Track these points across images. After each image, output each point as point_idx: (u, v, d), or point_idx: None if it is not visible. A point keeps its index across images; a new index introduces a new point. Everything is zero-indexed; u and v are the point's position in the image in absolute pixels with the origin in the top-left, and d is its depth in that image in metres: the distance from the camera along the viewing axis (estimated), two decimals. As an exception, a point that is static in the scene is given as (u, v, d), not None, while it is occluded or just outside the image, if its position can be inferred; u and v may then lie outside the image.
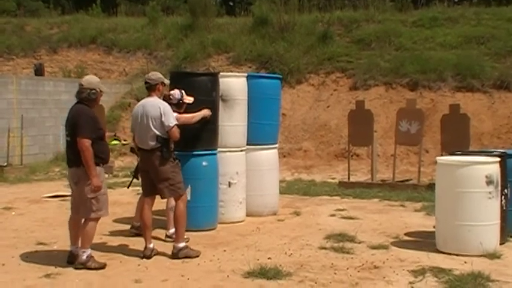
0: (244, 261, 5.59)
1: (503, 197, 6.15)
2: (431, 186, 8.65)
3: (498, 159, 6.08)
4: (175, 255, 5.78)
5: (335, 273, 5.30)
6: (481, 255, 5.76)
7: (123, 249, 6.19)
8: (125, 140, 6.28)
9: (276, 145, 8.40)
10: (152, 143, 5.85)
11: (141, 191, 6.57)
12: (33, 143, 13.64)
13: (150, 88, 6.09)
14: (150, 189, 6.07)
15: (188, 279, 5.16)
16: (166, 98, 6.39)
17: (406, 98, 12.95)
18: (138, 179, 6.33)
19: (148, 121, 5.84)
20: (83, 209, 5.52)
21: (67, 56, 19.17)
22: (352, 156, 12.17)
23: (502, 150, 6.98)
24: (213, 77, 7.48)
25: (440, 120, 10.72)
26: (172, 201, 6.34)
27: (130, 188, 7.13)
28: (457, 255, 5.82)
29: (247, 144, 7.83)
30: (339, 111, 14.20)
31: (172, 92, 6.57)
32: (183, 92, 6.57)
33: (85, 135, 5.34)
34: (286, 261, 5.62)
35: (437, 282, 5.02)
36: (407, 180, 10.84)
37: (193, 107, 6.68)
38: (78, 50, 19.24)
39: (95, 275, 5.29)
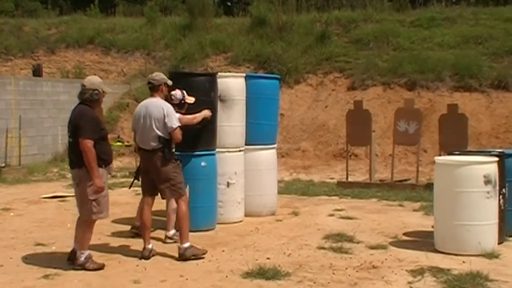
0: (243, 261, 5.60)
1: (501, 196, 6.17)
2: (429, 186, 8.67)
3: (496, 159, 6.08)
4: (182, 255, 5.75)
5: (334, 273, 5.30)
6: (479, 255, 5.76)
7: (122, 250, 6.19)
8: (127, 142, 6.27)
9: (275, 145, 8.41)
10: (154, 144, 5.84)
11: (139, 192, 6.57)
12: (31, 144, 13.63)
13: (153, 88, 6.06)
14: (151, 190, 6.06)
15: (187, 279, 5.16)
16: (168, 98, 6.37)
17: (404, 97, 12.96)
18: (139, 179, 6.32)
19: (151, 122, 5.83)
20: (84, 211, 5.51)
21: (65, 57, 19.16)
22: (350, 156, 12.18)
23: (500, 150, 6.98)
24: (211, 77, 7.48)
25: (438, 120, 10.73)
26: (174, 203, 6.34)
27: (129, 188, 7.12)
28: (455, 254, 5.82)
29: (246, 145, 7.83)
30: (337, 111, 14.21)
31: (173, 92, 6.55)
32: (184, 92, 6.56)
33: (87, 136, 5.32)
34: (285, 262, 5.63)
35: (435, 282, 5.03)
36: (405, 180, 10.85)
37: (192, 108, 6.68)
38: (76, 50, 19.22)
39: (93, 275, 5.29)
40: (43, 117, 14.10)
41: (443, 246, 6.02)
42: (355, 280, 5.11)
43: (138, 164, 6.61)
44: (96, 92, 5.53)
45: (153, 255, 5.87)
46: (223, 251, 6.14)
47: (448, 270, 5.31)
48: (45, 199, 9.52)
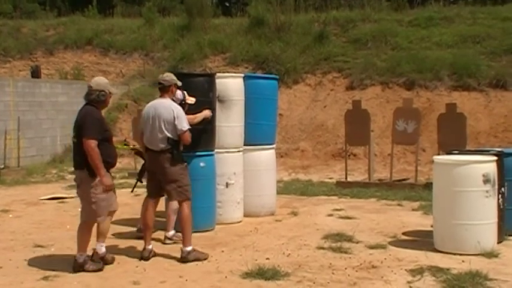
0: (242, 261, 5.60)
1: (500, 195, 6.17)
2: (428, 186, 8.66)
3: (495, 158, 6.09)
4: (184, 258, 5.74)
5: (333, 273, 5.30)
6: (478, 254, 5.77)
7: (121, 251, 6.18)
8: (134, 145, 6.21)
9: (273, 145, 8.41)
10: (163, 145, 5.81)
11: (139, 193, 6.59)
12: (30, 145, 13.62)
13: (164, 89, 6.01)
14: (156, 191, 6.04)
15: (186, 280, 5.16)
16: None
17: (403, 97, 12.96)
18: (142, 182, 6.30)
19: (161, 123, 5.80)
20: (84, 213, 5.50)
21: (63, 58, 19.16)
22: (349, 156, 12.18)
23: (498, 149, 6.99)
24: (210, 77, 7.47)
25: (436, 119, 10.74)
26: (175, 204, 6.33)
27: (132, 191, 7.11)
28: (454, 254, 5.82)
29: (245, 145, 7.83)
30: (336, 111, 14.21)
31: None
32: (185, 92, 6.55)
33: (90, 136, 5.29)
34: (284, 262, 5.63)
35: (435, 282, 5.03)
36: (404, 180, 10.85)
37: (192, 108, 6.67)
38: (74, 51, 19.22)
39: (92, 276, 5.28)
40: (42, 118, 14.10)
41: (442, 245, 6.02)
42: (354, 280, 5.11)
43: (137, 165, 6.59)
44: (102, 93, 5.51)
45: (152, 256, 5.87)
46: (222, 251, 6.14)
47: (448, 269, 5.31)
48: (44, 200, 9.51)
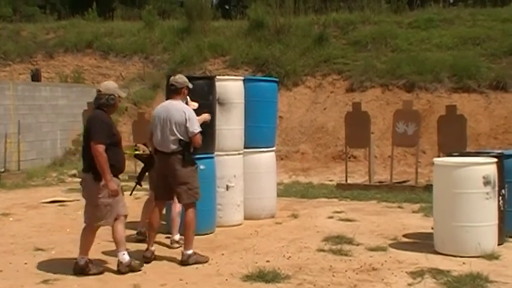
0: (242, 264, 5.60)
1: (500, 197, 6.16)
2: (428, 188, 8.66)
3: (495, 159, 6.09)
4: (185, 262, 5.73)
5: (333, 276, 5.30)
6: (479, 256, 5.77)
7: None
8: (144, 151, 6.16)
9: (274, 148, 8.41)
10: (174, 147, 5.78)
11: (138, 196, 6.58)
12: (30, 149, 13.62)
13: (175, 91, 5.98)
14: (165, 194, 6.02)
15: (187, 283, 5.16)
16: None
17: (403, 99, 12.97)
18: (141, 185, 6.29)
19: (172, 125, 5.78)
20: (86, 216, 5.49)
21: (63, 61, 19.15)
22: (349, 158, 12.18)
23: (499, 151, 6.99)
24: (210, 80, 7.48)
25: (437, 121, 10.74)
26: (178, 207, 6.32)
27: (131, 195, 7.09)
28: (455, 256, 5.82)
29: (245, 148, 7.83)
30: (336, 113, 14.21)
31: None
32: (188, 97, 6.53)
33: (98, 141, 5.27)
34: (284, 264, 5.62)
35: (435, 284, 5.03)
36: (404, 182, 10.85)
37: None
38: (74, 54, 19.21)
39: (93, 280, 5.29)
40: (42, 122, 14.09)
41: (442, 247, 6.02)
42: (354, 282, 5.11)
43: (137, 168, 6.58)
44: (112, 96, 5.50)
45: (153, 259, 5.86)
46: (222, 254, 6.14)
47: (448, 271, 5.31)
48: (44, 204, 9.51)
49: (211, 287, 5.04)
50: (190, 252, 5.77)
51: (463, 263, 5.58)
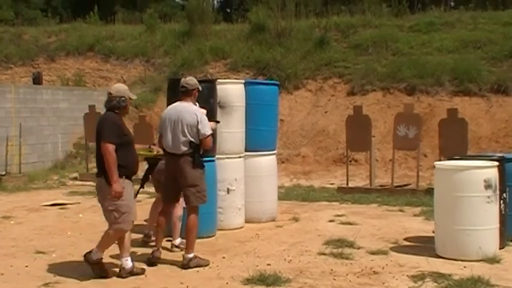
0: (243, 267, 5.59)
1: (502, 201, 6.16)
2: (429, 191, 8.66)
3: (496, 163, 6.08)
4: (186, 265, 5.72)
5: (334, 279, 5.29)
6: (480, 260, 5.76)
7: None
8: (158, 152, 6.14)
9: (274, 151, 8.41)
10: (185, 148, 5.77)
11: (139, 198, 6.56)
12: (31, 152, 13.62)
13: (186, 93, 5.95)
14: (173, 196, 6.01)
15: (187, 286, 5.15)
16: None
17: (404, 102, 12.97)
18: (144, 188, 6.29)
19: (183, 127, 5.76)
20: (108, 220, 5.45)
21: (65, 64, 19.18)
22: (350, 161, 12.17)
23: (500, 154, 6.98)
24: (211, 83, 7.48)
25: (438, 124, 10.73)
26: (179, 211, 6.32)
27: (135, 198, 7.09)
28: (456, 260, 5.82)
29: (246, 151, 7.84)
30: (337, 117, 14.21)
31: None
32: (197, 104, 6.51)
33: (108, 140, 5.24)
34: (285, 268, 5.62)
35: (436, 287, 5.02)
36: (405, 185, 10.84)
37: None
38: (76, 58, 19.25)
39: (94, 282, 5.28)
40: (43, 125, 14.11)
41: (444, 251, 6.01)
42: (355, 286, 5.10)
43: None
44: (123, 98, 5.48)
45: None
46: (223, 257, 6.13)
47: (449, 275, 5.30)
48: (46, 207, 9.50)
49: (212, 291, 5.04)
50: (191, 255, 5.77)
51: (464, 267, 5.57)
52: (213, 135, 7.12)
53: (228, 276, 5.39)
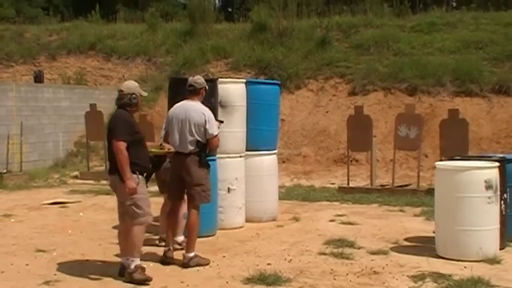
0: (243, 267, 5.59)
1: (502, 201, 6.16)
2: (430, 191, 8.66)
3: (497, 164, 6.08)
4: (186, 264, 5.73)
5: (335, 279, 5.30)
6: (480, 260, 5.76)
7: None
8: (169, 149, 6.11)
9: (275, 151, 8.41)
10: (192, 147, 5.77)
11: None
12: (32, 150, 13.64)
13: (194, 92, 5.94)
14: (177, 194, 6.00)
15: (188, 286, 5.15)
16: None
17: (405, 103, 12.97)
18: (147, 187, 6.27)
19: (191, 126, 5.77)
20: (127, 217, 5.39)
21: (66, 63, 19.19)
22: (351, 161, 12.17)
23: (501, 155, 6.98)
24: (212, 83, 7.47)
25: (439, 125, 10.73)
26: (184, 208, 6.31)
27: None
28: (456, 260, 5.82)
29: (247, 150, 7.84)
30: (338, 117, 14.21)
31: None
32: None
33: (119, 138, 5.23)
34: (285, 267, 5.62)
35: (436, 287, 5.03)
36: (406, 185, 10.84)
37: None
38: (77, 56, 19.26)
39: (94, 281, 5.28)
40: (44, 123, 14.12)
41: (444, 251, 6.01)
42: (356, 286, 5.11)
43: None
44: (134, 95, 5.48)
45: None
46: (224, 256, 6.14)
47: (449, 275, 5.30)
48: (46, 205, 9.51)
49: (212, 290, 5.04)
50: (191, 254, 5.77)
51: (465, 267, 5.57)
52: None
53: (228, 276, 5.39)
